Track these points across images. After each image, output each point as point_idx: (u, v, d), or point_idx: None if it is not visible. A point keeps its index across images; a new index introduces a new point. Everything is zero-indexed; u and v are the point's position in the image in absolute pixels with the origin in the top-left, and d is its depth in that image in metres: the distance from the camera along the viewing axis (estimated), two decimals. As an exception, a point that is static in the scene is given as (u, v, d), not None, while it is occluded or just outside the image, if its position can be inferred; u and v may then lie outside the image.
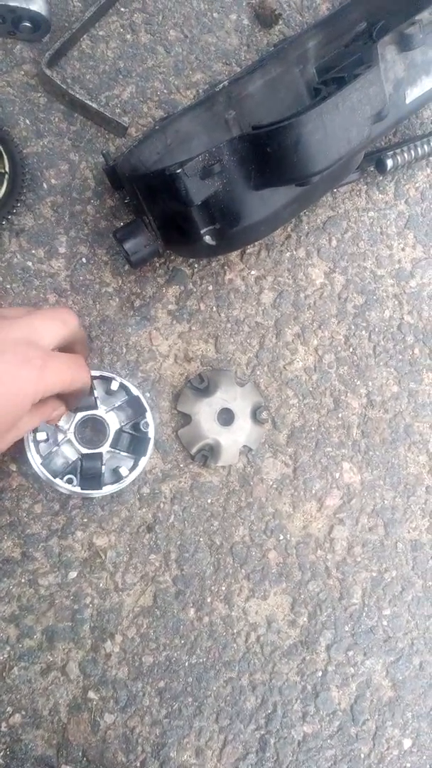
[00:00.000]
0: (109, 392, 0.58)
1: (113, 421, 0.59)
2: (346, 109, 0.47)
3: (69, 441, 0.57)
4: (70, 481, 0.56)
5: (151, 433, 0.58)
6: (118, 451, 0.58)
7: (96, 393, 0.58)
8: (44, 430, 0.56)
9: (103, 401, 0.58)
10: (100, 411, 0.58)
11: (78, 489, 0.56)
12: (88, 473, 0.57)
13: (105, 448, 0.58)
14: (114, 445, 0.58)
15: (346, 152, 0.48)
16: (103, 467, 0.57)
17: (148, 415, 0.58)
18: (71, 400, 0.54)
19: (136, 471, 0.57)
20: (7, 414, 0.44)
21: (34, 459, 0.55)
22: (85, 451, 0.57)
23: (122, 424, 0.59)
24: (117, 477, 0.57)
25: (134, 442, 0.59)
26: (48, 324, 0.47)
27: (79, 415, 0.57)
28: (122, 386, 0.59)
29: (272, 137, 0.47)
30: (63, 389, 0.48)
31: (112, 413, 0.59)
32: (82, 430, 0.58)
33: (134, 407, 0.59)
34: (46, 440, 0.56)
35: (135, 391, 0.58)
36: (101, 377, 0.58)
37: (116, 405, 0.59)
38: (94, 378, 0.57)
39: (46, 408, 0.52)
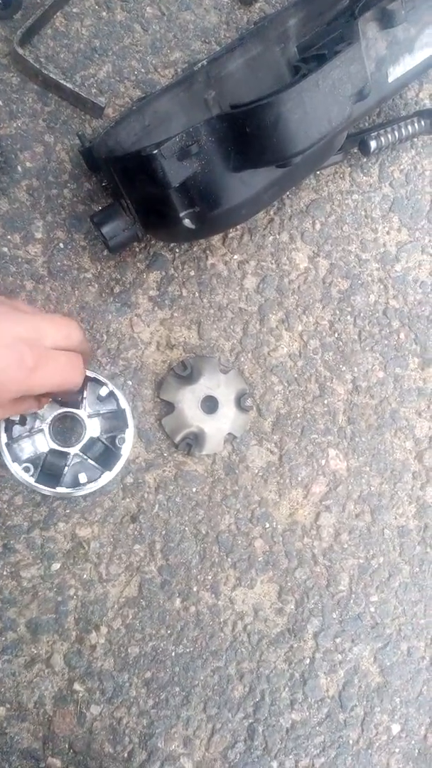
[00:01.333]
0: (98, 397, 0.57)
1: (93, 427, 0.57)
2: (326, 87, 0.45)
3: (42, 432, 0.56)
4: (27, 470, 0.55)
5: (124, 451, 0.56)
6: (86, 458, 0.57)
7: (85, 394, 0.57)
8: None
9: (90, 404, 0.57)
10: (83, 413, 0.57)
11: (31, 480, 0.55)
12: (49, 469, 0.55)
13: (75, 450, 0.56)
14: (85, 450, 0.57)
15: (327, 132, 0.47)
16: (66, 468, 0.56)
17: (129, 432, 0.57)
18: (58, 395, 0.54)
19: (95, 484, 0.56)
20: None
21: (0, 438, 0.54)
22: (54, 446, 0.56)
23: (101, 432, 0.58)
24: (75, 483, 0.56)
25: (106, 454, 0.57)
26: (52, 331, 0.48)
27: (61, 410, 0.56)
28: (112, 395, 0.57)
29: (251, 116, 0.45)
30: (50, 390, 0.48)
31: (95, 419, 0.57)
32: (59, 425, 0.57)
33: (118, 419, 0.58)
34: (21, 423, 0.55)
35: (123, 404, 0.57)
36: (95, 380, 0.57)
37: (101, 412, 0.58)
38: (88, 379, 0.56)
39: (23, 405, 0.51)
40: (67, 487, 0.55)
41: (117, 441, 0.57)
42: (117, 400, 0.57)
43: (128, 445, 0.57)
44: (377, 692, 0.63)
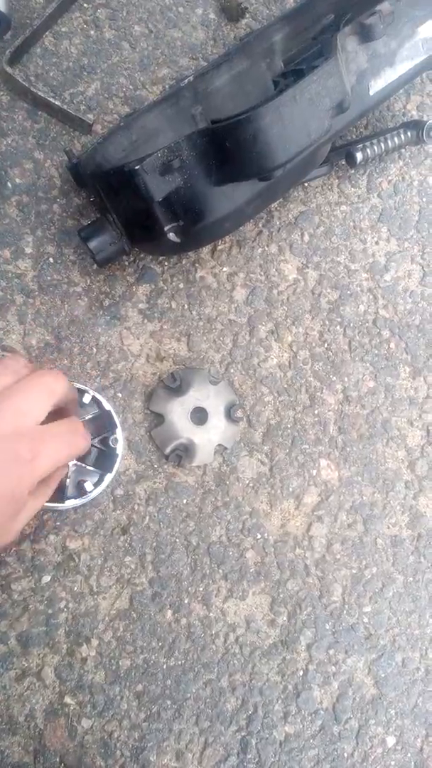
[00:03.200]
0: (80, 404, 0.57)
1: None
2: (304, 101, 0.46)
3: None
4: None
5: (119, 449, 0.58)
6: (84, 465, 0.57)
7: None
8: None
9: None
10: None
11: None
12: None
13: (72, 460, 0.57)
14: (81, 458, 0.57)
15: (306, 145, 0.47)
16: (68, 480, 0.57)
17: (119, 432, 0.58)
18: None
19: (101, 487, 0.57)
20: (5, 511, 0.44)
21: None
22: None
23: (91, 437, 0.58)
24: (80, 491, 0.57)
25: (102, 457, 0.58)
26: (33, 400, 0.46)
27: None
28: (94, 399, 0.58)
29: (229, 131, 0.46)
30: (62, 464, 0.48)
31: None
32: None
33: (105, 421, 0.58)
34: None
35: (107, 406, 0.58)
36: (77, 389, 0.57)
37: (86, 418, 0.58)
38: None
39: (52, 480, 0.50)
40: (74, 498, 0.56)
41: (110, 442, 0.58)
42: (100, 403, 0.58)
43: (121, 443, 0.58)
44: (372, 704, 0.62)
